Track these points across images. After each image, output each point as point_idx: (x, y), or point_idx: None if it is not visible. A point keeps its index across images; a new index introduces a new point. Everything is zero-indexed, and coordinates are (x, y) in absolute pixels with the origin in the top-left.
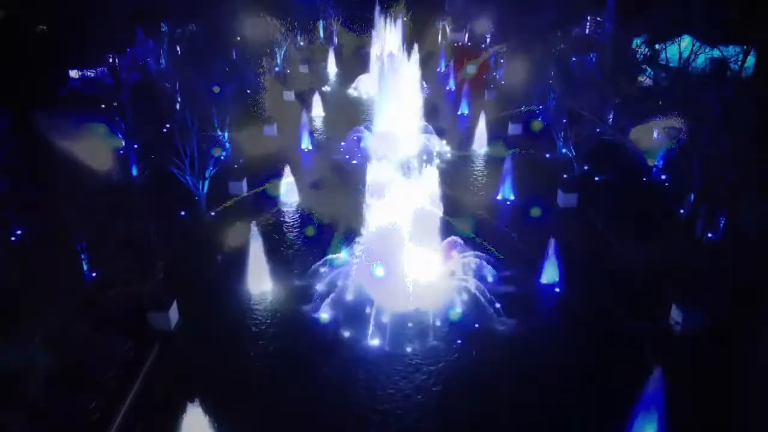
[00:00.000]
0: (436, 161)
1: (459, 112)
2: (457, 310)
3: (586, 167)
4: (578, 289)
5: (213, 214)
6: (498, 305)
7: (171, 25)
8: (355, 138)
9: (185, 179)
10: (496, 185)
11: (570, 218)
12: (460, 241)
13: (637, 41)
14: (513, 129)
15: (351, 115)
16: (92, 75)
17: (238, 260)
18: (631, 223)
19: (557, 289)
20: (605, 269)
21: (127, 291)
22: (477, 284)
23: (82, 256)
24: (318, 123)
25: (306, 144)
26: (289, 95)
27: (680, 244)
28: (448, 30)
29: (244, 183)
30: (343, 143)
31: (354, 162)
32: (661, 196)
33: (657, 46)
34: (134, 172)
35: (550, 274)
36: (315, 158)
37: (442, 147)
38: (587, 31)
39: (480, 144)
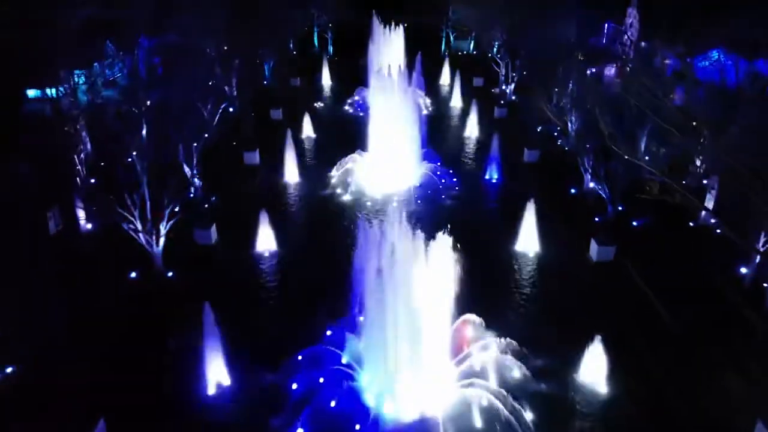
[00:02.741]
0: (442, 195)
1: (466, 133)
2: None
3: (620, 207)
4: (626, 386)
5: (171, 275)
6: (527, 416)
7: (145, 36)
8: (348, 167)
9: (136, 235)
10: (513, 231)
11: (607, 278)
12: (475, 320)
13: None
14: (529, 156)
15: (345, 137)
16: (52, 95)
17: (194, 345)
18: (681, 284)
19: (602, 390)
20: (658, 357)
21: None
22: (499, 392)
23: None
24: (308, 146)
25: (291, 175)
26: (277, 113)
27: (747, 318)
28: (452, 38)
29: (213, 231)
30: (333, 173)
31: (345, 198)
32: (714, 247)
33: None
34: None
35: (591, 370)
36: (300, 194)
37: (447, 178)
38: (604, 41)
39: (493, 173)
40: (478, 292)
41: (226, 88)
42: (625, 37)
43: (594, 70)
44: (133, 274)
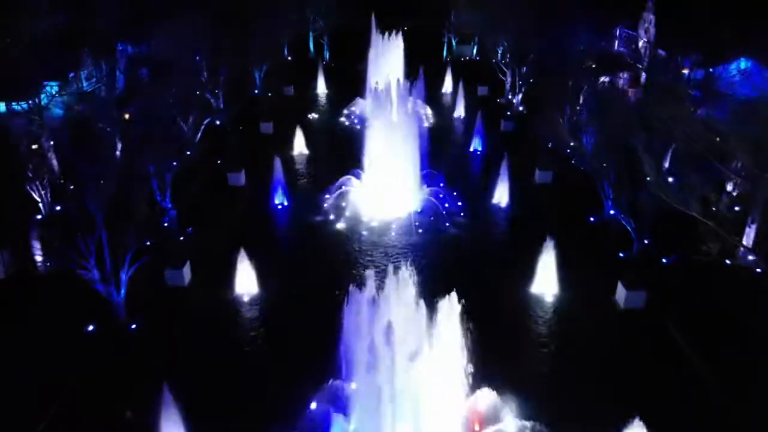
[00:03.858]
0: (446, 223)
1: (471, 149)
2: None
3: (646, 241)
4: None
5: (134, 327)
6: None
7: (126, 45)
8: (342, 189)
9: (95, 285)
10: (527, 268)
11: (640, 331)
12: (491, 396)
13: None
14: (541, 177)
15: (341, 153)
16: (23, 108)
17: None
18: (727, 336)
19: None
20: None
21: None
22: None
23: None
24: (299, 165)
25: (280, 199)
26: (267, 127)
27: None
28: (454, 43)
29: (187, 270)
30: (327, 196)
31: (339, 226)
32: (756, 290)
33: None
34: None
35: None
36: (289, 221)
37: (452, 200)
38: (616, 47)
39: (501, 197)
40: (491, 352)
41: (212, 99)
42: (640, 43)
43: (608, 79)
44: (91, 327)
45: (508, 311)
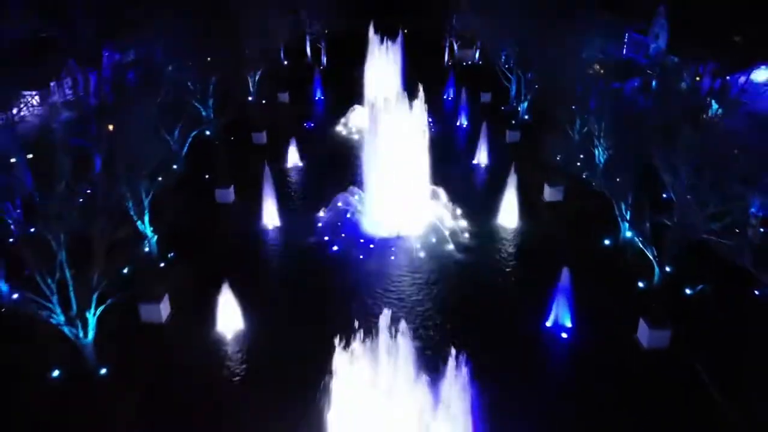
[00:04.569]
0: (450, 246)
1: (475, 161)
2: None
3: (668, 269)
4: None
5: (104, 372)
6: None
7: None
8: (339, 207)
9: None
10: (538, 297)
11: (667, 378)
12: None
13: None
14: (551, 194)
15: (337, 166)
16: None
17: None
18: (758, 380)
19: None
20: None
21: None
22: None
23: None
24: (293, 179)
25: (271, 218)
26: (260, 137)
27: None
28: (455, 47)
29: (165, 305)
30: (322, 214)
31: (335, 249)
32: None
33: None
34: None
35: None
36: (280, 244)
37: (456, 221)
38: (624, 52)
39: (509, 216)
40: (503, 410)
41: (202, 108)
42: (651, 48)
43: (618, 85)
44: (56, 373)
45: (520, 352)
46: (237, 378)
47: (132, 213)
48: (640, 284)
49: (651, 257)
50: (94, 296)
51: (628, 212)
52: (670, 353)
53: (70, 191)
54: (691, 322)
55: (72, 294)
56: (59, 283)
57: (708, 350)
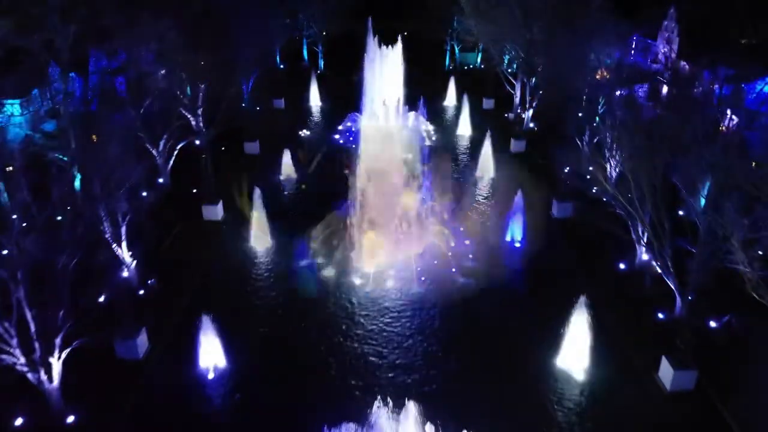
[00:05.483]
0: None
1: (477, 174)
2: None
3: (690, 297)
4: None
5: (73, 419)
6: None
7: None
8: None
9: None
10: (549, 330)
11: (689, 420)
12: None
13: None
14: (560, 210)
15: (334, 179)
16: None
17: None
18: None
19: None
20: None
21: None
22: None
23: None
24: (287, 193)
25: (260, 239)
26: (253, 147)
27: None
28: (457, 51)
29: (142, 340)
30: (315, 234)
31: (328, 273)
32: None
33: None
34: None
35: None
36: (269, 267)
37: (457, 241)
38: (631, 57)
39: (515, 234)
40: None
41: (191, 117)
42: (660, 53)
43: (625, 92)
44: (19, 421)
45: (527, 397)
46: (220, 423)
47: (108, 237)
48: (660, 314)
49: (672, 286)
50: (58, 339)
51: (644, 233)
52: (696, 395)
53: (30, 218)
54: (719, 360)
55: (34, 336)
56: (20, 323)
57: (736, 390)
